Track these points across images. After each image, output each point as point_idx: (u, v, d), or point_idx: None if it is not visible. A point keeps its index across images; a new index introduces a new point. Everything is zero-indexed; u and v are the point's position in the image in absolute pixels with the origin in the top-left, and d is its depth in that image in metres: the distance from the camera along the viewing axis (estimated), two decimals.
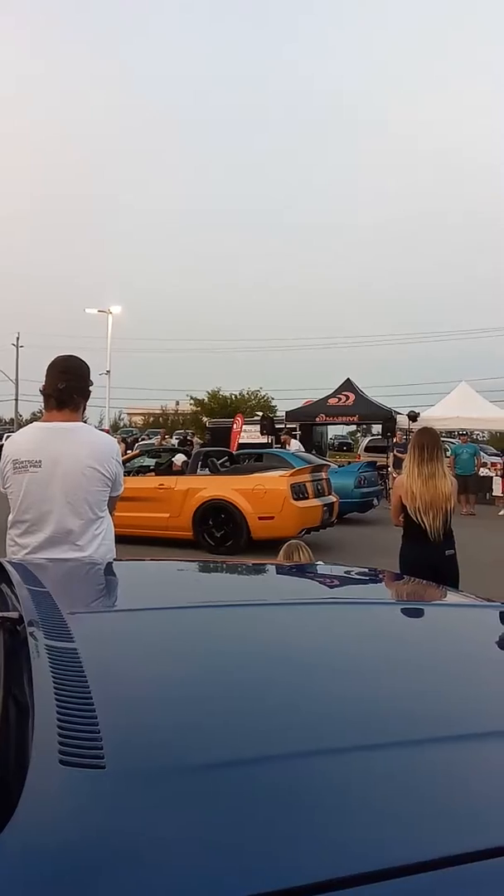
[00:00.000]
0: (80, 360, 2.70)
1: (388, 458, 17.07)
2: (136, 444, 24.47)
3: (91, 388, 2.72)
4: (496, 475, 17.08)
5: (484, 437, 34.76)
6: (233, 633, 1.17)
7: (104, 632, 1.12)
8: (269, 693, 0.89)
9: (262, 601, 1.48)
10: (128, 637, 1.11)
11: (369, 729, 0.80)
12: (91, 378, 2.72)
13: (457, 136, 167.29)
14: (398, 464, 16.43)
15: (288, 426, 19.35)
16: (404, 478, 4.33)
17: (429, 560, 4.22)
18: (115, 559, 2.56)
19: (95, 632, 1.10)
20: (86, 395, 2.66)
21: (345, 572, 2.01)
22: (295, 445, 15.54)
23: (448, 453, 14.36)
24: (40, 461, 2.48)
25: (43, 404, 2.65)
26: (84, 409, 2.69)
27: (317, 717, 0.82)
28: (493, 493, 16.79)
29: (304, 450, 15.13)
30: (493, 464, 18.61)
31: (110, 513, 2.72)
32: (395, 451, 17.16)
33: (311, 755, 0.71)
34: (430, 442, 4.35)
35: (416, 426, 17.36)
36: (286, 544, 3.58)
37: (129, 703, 0.83)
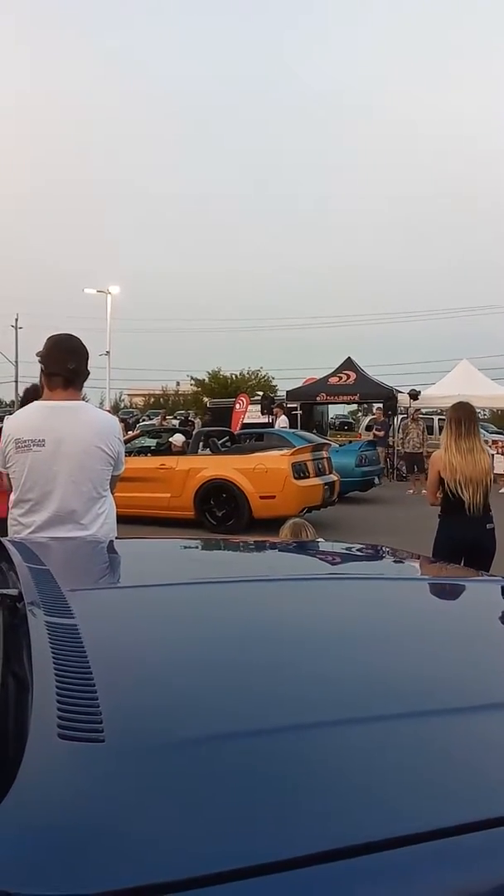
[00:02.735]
0: (79, 339, 2.70)
1: (371, 436, 17.02)
2: (137, 425, 24.45)
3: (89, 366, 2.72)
4: (497, 453, 17.07)
5: (485, 415, 34.68)
6: (233, 608, 1.17)
7: (104, 608, 1.12)
8: (269, 668, 0.89)
9: (263, 577, 1.48)
10: (128, 613, 1.11)
11: (370, 703, 0.80)
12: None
13: (457, 117, 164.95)
14: (382, 442, 16.39)
15: (288, 405, 19.30)
16: (442, 452, 4.26)
17: (469, 534, 4.19)
18: (116, 538, 2.56)
19: (95, 608, 1.10)
20: (87, 374, 2.66)
21: (346, 549, 2.01)
22: (283, 421, 15.50)
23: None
24: (43, 440, 2.47)
25: (45, 382, 2.63)
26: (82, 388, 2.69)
27: (316, 691, 0.82)
28: (495, 472, 16.79)
29: (287, 424, 15.12)
30: (494, 442, 18.59)
31: (111, 492, 2.72)
32: (374, 430, 17.11)
33: (309, 729, 0.70)
34: (466, 416, 4.30)
35: (416, 405, 17.36)
36: (291, 522, 3.57)
37: (128, 678, 0.82)
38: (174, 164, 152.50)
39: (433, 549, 4.27)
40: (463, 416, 4.29)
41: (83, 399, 2.82)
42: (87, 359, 2.67)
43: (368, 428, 20.17)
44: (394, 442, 16.93)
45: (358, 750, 0.68)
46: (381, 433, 16.70)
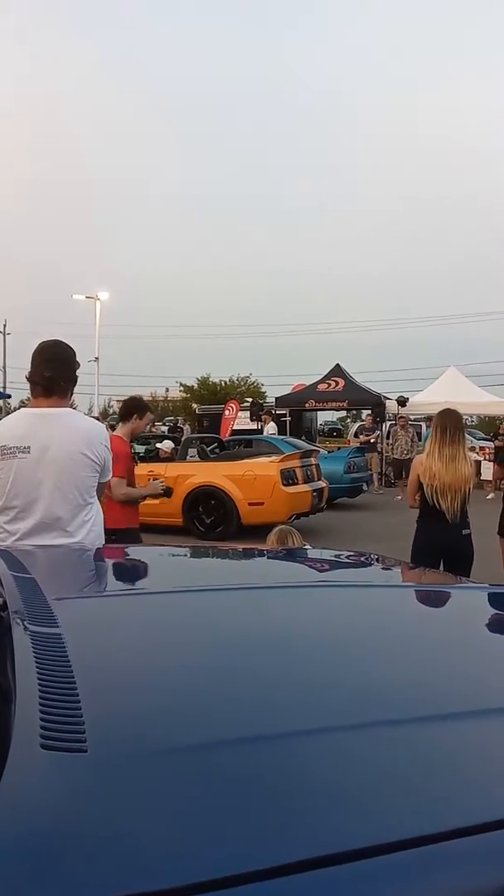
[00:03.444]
0: (66, 345, 2.68)
1: (359, 442, 17.09)
2: None
3: (78, 371, 2.70)
4: (484, 459, 17.17)
5: (473, 421, 34.91)
6: (220, 617, 1.17)
7: (90, 617, 1.12)
8: (255, 676, 0.89)
9: (250, 585, 1.48)
10: (114, 622, 1.10)
11: (352, 710, 0.80)
12: (78, 361, 2.71)
13: (450, 124, 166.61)
14: (371, 447, 16.46)
15: (277, 412, 19.32)
16: (424, 457, 4.34)
17: (445, 540, 4.26)
18: (103, 545, 2.55)
19: (81, 617, 1.09)
20: (73, 380, 2.64)
21: (335, 556, 2.01)
22: (272, 428, 15.54)
23: (420, 441, 14.42)
24: (29, 447, 2.46)
25: (30, 391, 2.63)
26: (71, 394, 2.67)
27: (302, 699, 0.82)
28: (482, 477, 16.90)
29: (276, 431, 15.17)
30: (482, 448, 18.70)
31: (99, 498, 2.71)
32: (361, 435, 17.18)
33: (296, 736, 0.71)
34: (452, 424, 4.35)
35: (404, 411, 17.43)
36: (277, 529, 3.58)
37: (113, 687, 0.82)
38: (163, 166, 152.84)
39: (412, 554, 4.32)
40: (449, 424, 4.34)
41: (71, 406, 2.81)
42: (72, 365, 2.65)
43: (357, 434, 20.23)
44: (382, 448, 16.99)
45: (342, 757, 0.68)
46: (369, 438, 16.78)
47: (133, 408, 4.71)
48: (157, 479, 4.97)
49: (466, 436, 4.72)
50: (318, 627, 1.13)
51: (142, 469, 9.93)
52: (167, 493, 5.05)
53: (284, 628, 1.10)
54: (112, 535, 4.65)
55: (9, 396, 33.59)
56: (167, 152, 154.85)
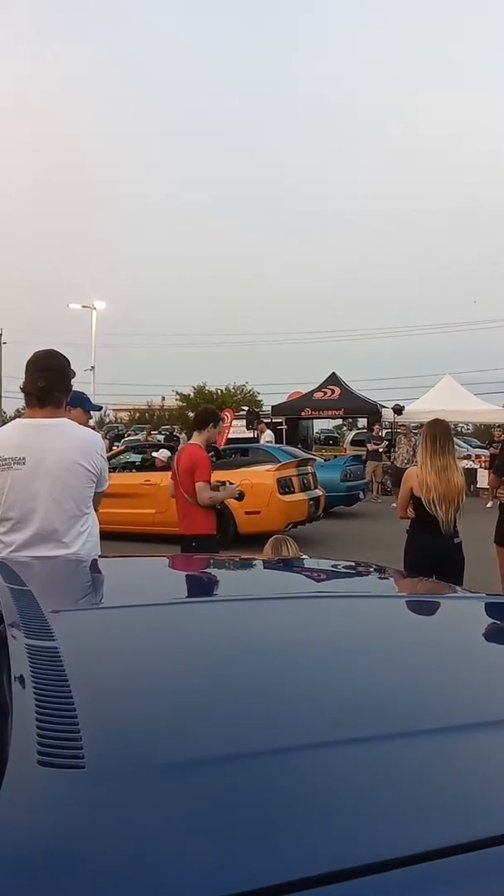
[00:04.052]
0: (60, 354, 2.67)
1: (366, 449, 17.15)
2: (122, 440, 24.32)
3: (73, 379, 2.70)
4: (481, 467, 17.19)
5: (469, 429, 34.99)
6: (218, 629, 1.16)
7: (86, 630, 1.11)
8: (254, 690, 0.88)
9: (248, 596, 1.47)
10: (111, 635, 1.10)
11: (351, 723, 0.79)
12: (73, 370, 2.70)
13: (443, 134, 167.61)
14: (375, 456, 16.51)
15: (274, 420, 19.35)
16: (418, 469, 4.34)
17: (438, 549, 4.27)
18: (100, 556, 2.54)
19: (77, 630, 1.09)
20: (67, 390, 2.64)
21: (332, 566, 2.01)
22: (269, 436, 15.56)
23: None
24: (24, 458, 2.45)
25: (25, 402, 2.62)
26: (66, 403, 2.67)
27: (301, 713, 0.82)
28: (478, 486, 16.91)
29: (272, 439, 15.18)
30: (478, 456, 18.73)
31: (95, 509, 2.70)
32: (371, 443, 17.22)
33: (296, 750, 0.70)
34: (441, 434, 4.37)
35: (400, 419, 17.48)
36: (273, 538, 3.58)
37: (110, 701, 0.81)
38: (156, 176, 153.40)
39: (404, 563, 4.33)
40: (438, 434, 4.37)
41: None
42: (66, 374, 2.64)
43: (359, 442, 20.23)
44: (389, 457, 17.02)
45: (348, 771, 0.68)
46: (376, 447, 16.80)
47: (208, 417, 5.09)
48: (231, 483, 5.17)
49: (461, 444, 4.75)
50: (316, 639, 1.12)
51: (139, 478, 9.94)
52: (241, 497, 5.40)
53: (282, 640, 1.09)
54: (192, 541, 4.76)
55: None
56: (154, 164, 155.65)
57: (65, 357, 2.67)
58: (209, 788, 0.62)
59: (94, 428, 3.88)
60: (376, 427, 17.77)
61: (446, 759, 0.73)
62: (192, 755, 0.68)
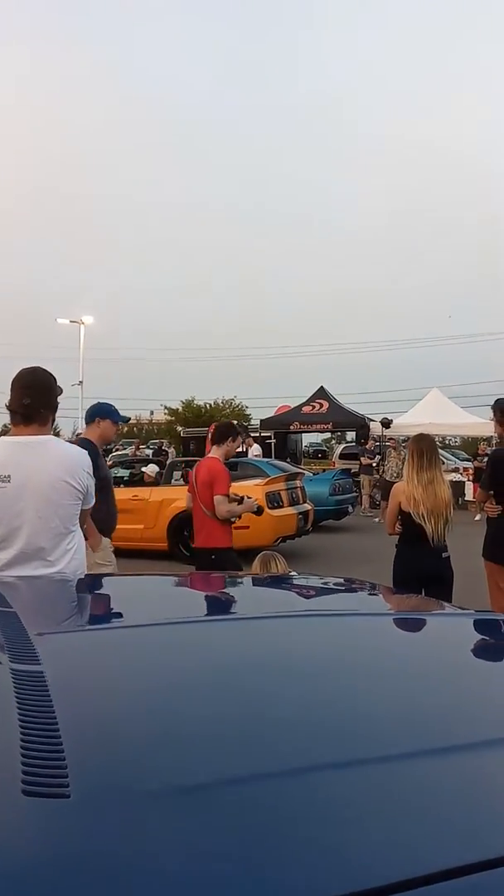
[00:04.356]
0: (45, 371, 2.67)
1: (359, 463, 17.20)
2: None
3: (60, 396, 2.69)
4: (468, 480, 17.27)
5: (456, 442, 35.22)
6: (208, 651, 1.15)
7: (73, 653, 1.10)
8: (245, 713, 0.87)
9: (237, 616, 1.47)
10: (97, 658, 1.08)
11: (345, 745, 0.79)
12: (60, 386, 2.69)
13: (436, 143, 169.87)
14: (368, 470, 16.57)
15: (262, 434, 19.36)
16: (405, 484, 4.38)
17: (427, 565, 4.30)
18: (85, 574, 2.52)
19: (63, 653, 1.07)
20: (53, 407, 2.63)
21: (322, 583, 2.00)
22: (257, 450, 15.58)
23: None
24: (9, 476, 2.44)
25: (10, 420, 2.61)
26: (53, 420, 2.66)
27: (294, 736, 0.81)
28: (466, 498, 16.98)
29: (260, 453, 15.20)
30: (465, 469, 18.83)
31: (82, 525, 2.69)
32: (364, 457, 17.28)
33: (290, 776, 0.69)
34: (427, 448, 4.42)
35: (388, 433, 17.55)
36: (261, 555, 3.57)
37: (97, 728, 0.80)
38: (147, 188, 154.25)
39: (393, 579, 4.34)
40: (424, 448, 4.42)
41: (54, 432, 2.79)
42: (51, 391, 2.63)
43: (351, 456, 20.25)
44: (380, 470, 17.07)
45: (344, 796, 0.67)
46: (370, 461, 16.84)
47: (228, 431, 5.21)
48: (249, 498, 5.24)
49: (449, 456, 4.81)
50: (307, 660, 1.11)
51: (127, 493, 9.88)
52: (259, 511, 5.46)
53: (272, 661, 1.08)
54: (211, 554, 4.74)
55: None
56: (141, 176, 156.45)
57: (50, 374, 2.66)
58: (199, 817, 0.61)
59: (75, 442, 3.86)
60: (371, 441, 17.83)
61: (438, 778, 0.72)
62: (180, 782, 0.67)
